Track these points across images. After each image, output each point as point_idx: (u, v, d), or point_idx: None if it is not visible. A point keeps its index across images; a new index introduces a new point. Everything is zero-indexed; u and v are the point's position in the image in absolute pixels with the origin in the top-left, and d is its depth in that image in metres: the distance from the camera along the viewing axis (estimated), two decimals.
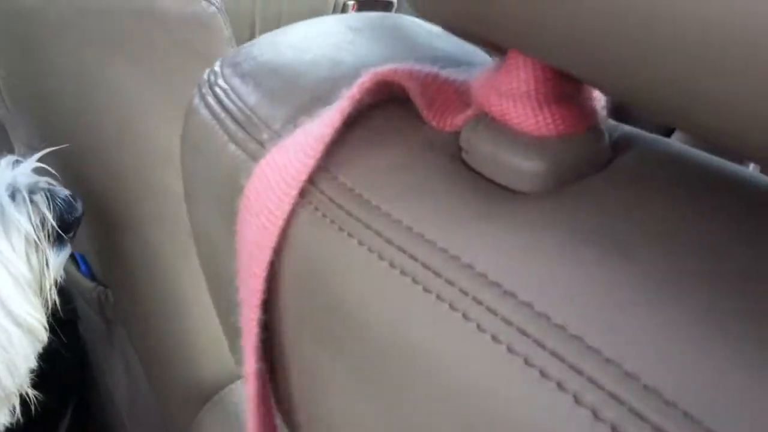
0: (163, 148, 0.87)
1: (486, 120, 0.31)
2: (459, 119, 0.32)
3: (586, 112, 0.31)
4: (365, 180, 0.30)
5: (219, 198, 0.38)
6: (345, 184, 0.30)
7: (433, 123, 0.32)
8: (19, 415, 0.76)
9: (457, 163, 0.30)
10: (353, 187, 0.30)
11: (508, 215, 0.27)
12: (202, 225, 0.42)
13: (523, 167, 0.29)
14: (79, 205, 0.75)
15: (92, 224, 0.89)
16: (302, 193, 0.31)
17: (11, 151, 0.79)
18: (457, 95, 0.33)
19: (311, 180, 0.31)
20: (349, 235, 0.29)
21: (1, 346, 0.67)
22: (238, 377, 0.94)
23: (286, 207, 0.31)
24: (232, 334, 0.40)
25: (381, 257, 0.28)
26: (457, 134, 0.32)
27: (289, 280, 0.32)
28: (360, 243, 0.29)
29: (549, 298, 0.24)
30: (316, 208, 0.31)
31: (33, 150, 0.79)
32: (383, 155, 0.31)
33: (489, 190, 0.29)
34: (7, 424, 0.76)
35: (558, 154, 0.29)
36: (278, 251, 0.32)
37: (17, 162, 0.74)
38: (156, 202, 0.90)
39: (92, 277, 1.02)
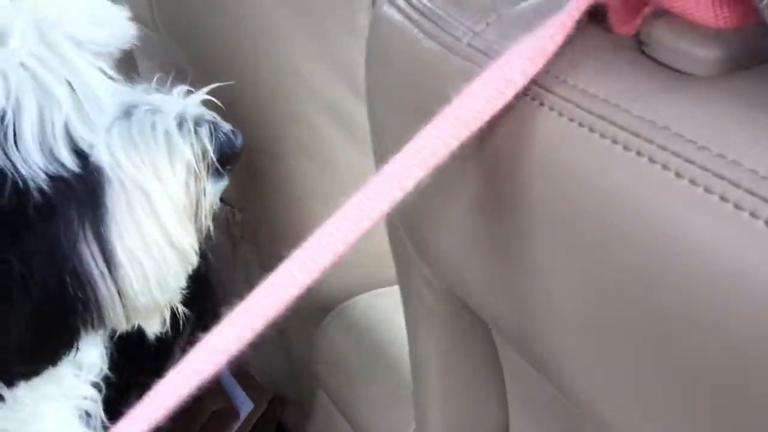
0: (309, 83, 0.94)
1: (665, 15, 0.35)
2: (638, 18, 0.37)
3: (755, 10, 0.35)
4: (592, 81, 0.34)
5: (412, 96, 0.43)
6: (576, 86, 0.34)
7: (623, 30, 0.36)
8: (169, 328, 0.83)
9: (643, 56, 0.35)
10: (585, 88, 0.34)
11: (700, 89, 0.32)
12: (385, 134, 0.47)
13: (703, 54, 0.33)
14: (239, 140, 0.78)
15: None
16: (534, 96, 0.35)
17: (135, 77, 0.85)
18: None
19: (542, 85, 0.35)
20: (591, 130, 0.33)
21: (155, 262, 0.72)
22: (359, 291, 1.02)
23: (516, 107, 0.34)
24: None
25: (627, 148, 0.31)
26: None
27: (536, 184, 0.36)
28: (602, 136, 0.32)
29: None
30: (551, 108, 0.34)
31: (180, 71, 0.85)
32: (598, 61, 0.35)
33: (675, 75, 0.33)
34: (157, 334, 0.83)
35: (734, 43, 0.33)
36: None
37: (189, 92, 0.78)
38: (300, 132, 0.96)
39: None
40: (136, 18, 0.76)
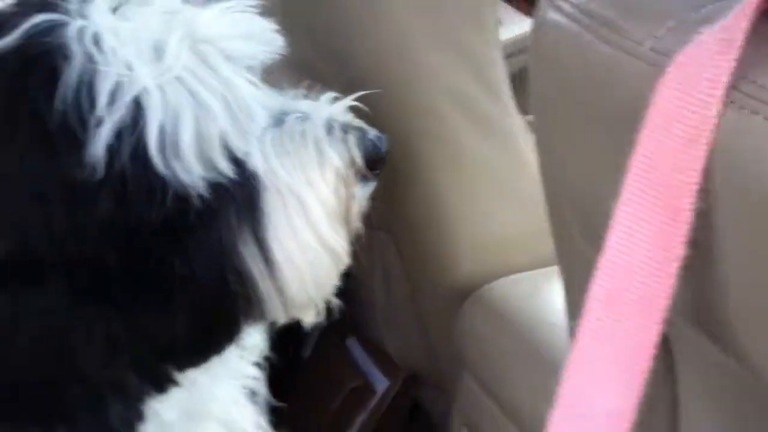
0: (437, 75, 0.97)
1: None
2: None
3: None
4: None
5: (586, 99, 0.45)
6: (765, 85, 0.35)
7: None
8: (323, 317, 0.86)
9: None
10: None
11: None
12: (552, 136, 0.49)
13: None
14: (385, 145, 0.81)
15: None
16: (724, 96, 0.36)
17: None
18: None
19: (730, 83, 0.36)
20: None
21: (310, 263, 0.76)
22: (495, 277, 1.04)
23: (712, 115, 0.35)
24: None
25: None
26: None
27: (727, 189, 0.36)
28: None
29: None
30: (743, 107, 0.35)
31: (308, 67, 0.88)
32: None
33: None
34: (330, 320, 0.87)
35: None
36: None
37: (336, 99, 0.82)
38: (424, 119, 1.00)
39: None
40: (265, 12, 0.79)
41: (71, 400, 0.68)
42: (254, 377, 0.92)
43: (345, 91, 0.84)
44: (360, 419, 1.37)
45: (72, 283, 0.66)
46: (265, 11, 0.77)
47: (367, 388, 1.38)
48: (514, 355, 0.97)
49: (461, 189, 1.03)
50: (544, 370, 0.89)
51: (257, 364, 0.92)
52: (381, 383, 1.37)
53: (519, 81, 1.05)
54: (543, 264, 1.07)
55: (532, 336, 0.94)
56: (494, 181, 1.05)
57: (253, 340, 0.89)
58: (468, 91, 1.01)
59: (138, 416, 0.73)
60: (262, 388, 0.93)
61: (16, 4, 0.72)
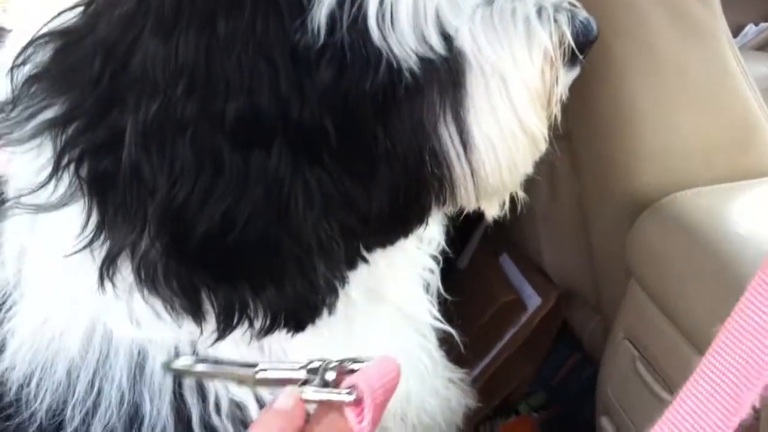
0: None
1: None
2: None
3: None
4: None
5: None
6: None
7: None
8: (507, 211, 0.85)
9: None
10: None
11: None
12: None
13: None
14: (594, 28, 0.78)
15: None
16: None
17: None
18: None
19: None
20: None
21: (507, 146, 0.74)
22: (677, 189, 1.00)
23: None
24: None
25: None
26: None
27: None
28: None
29: None
30: None
31: None
32: None
33: None
34: (496, 217, 0.86)
35: None
36: None
37: None
38: (623, 15, 0.95)
39: None
40: None
41: (284, 259, 0.69)
42: (429, 269, 0.92)
43: None
44: (509, 333, 1.38)
45: (294, 147, 0.66)
46: None
47: (519, 304, 1.37)
48: (695, 267, 0.92)
49: (653, 93, 0.98)
50: (729, 284, 0.85)
51: (433, 257, 0.92)
52: (533, 300, 1.37)
53: None
54: (726, 179, 1.03)
55: (717, 249, 0.89)
56: (690, 87, 0.99)
57: (431, 232, 0.89)
58: None
59: (341, 280, 0.74)
60: (435, 281, 0.93)
61: None
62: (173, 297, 0.71)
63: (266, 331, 0.73)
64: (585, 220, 1.16)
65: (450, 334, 0.96)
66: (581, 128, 1.06)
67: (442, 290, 0.94)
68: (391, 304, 0.86)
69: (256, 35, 0.64)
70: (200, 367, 0.74)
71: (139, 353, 0.75)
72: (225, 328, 0.72)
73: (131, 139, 0.66)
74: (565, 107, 0.82)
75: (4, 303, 0.76)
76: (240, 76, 0.64)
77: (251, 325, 0.73)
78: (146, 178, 0.66)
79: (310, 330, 0.76)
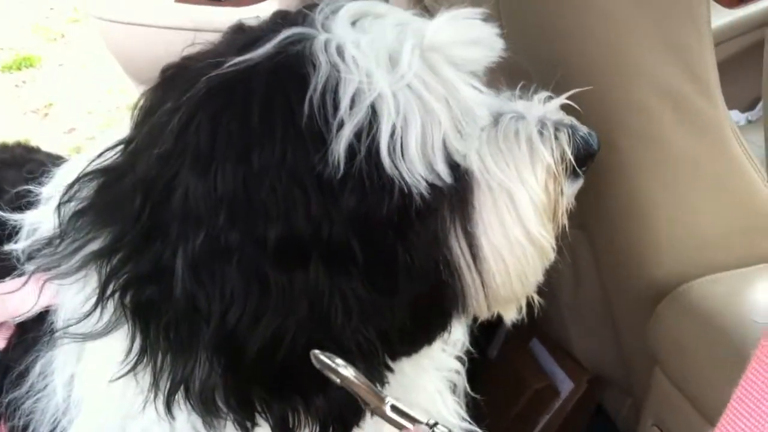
0: (646, 71, 0.97)
1: None
2: None
3: None
4: None
5: None
6: None
7: None
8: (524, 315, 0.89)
9: None
10: None
11: None
12: None
13: None
14: (595, 142, 0.83)
15: None
16: None
17: None
18: None
19: None
20: None
21: (516, 258, 0.78)
22: (693, 277, 1.03)
23: None
24: None
25: None
26: None
27: None
28: None
29: None
30: None
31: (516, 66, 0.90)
32: None
33: None
34: (514, 321, 0.90)
35: None
36: None
37: (549, 98, 0.84)
38: (635, 120, 1.00)
39: None
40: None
41: None
42: (456, 370, 0.95)
43: (554, 92, 0.86)
44: (543, 420, 1.39)
45: (328, 263, 0.71)
46: (487, 17, 0.80)
47: (551, 390, 1.39)
48: (714, 354, 0.94)
49: (665, 186, 1.02)
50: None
51: (458, 358, 0.95)
52: (565, 385, 1.38)
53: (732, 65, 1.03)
54: (743, 264, 1.05)
55: (735, 335, 0.92)
56: (700, 178, 1.03)
57: (456, 335, 0.93)
58: (678, 86, 1.00)
59: (380, 379, 0.77)
60: (462, 382, 0.96)
61: (274, 16, 0.80)
62: (233, 414, 0.75)
63: None
64: (609, 307, 1.19)
65: None
66: (596, 221, 1.10)
67: (469, 389, 0.97)
68: (418, 408, 0.89)
69: (286, 166, 0.70)
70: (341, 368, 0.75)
71: None
72: None
73: (183, 271, 0.71)
74: (581, 200, 0.86)
75: (55, 429, 0.81)
76: (276, 202, 0.70)
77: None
78: (201, 307, 0.71)
79: None
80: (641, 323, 1.08)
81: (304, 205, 0.70)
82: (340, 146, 0.70)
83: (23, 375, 0.83)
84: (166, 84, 0.79)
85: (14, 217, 0.92)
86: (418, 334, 0.81)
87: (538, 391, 1.39)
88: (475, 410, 0.97)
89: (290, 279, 0.71)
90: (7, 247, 0.90)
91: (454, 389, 0.95)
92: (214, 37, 0.83)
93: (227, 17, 1.82)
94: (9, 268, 0.89)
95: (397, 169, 0.71)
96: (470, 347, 0.96)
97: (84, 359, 0.81)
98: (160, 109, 0.77)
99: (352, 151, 0.70)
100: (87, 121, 3.43)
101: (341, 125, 0.70)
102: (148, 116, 0.79)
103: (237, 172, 0.71)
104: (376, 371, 0.77)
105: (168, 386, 0.75)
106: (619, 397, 1.34)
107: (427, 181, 0.72)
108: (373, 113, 0.71)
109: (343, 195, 0.71)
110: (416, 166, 0.72)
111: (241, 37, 0.78)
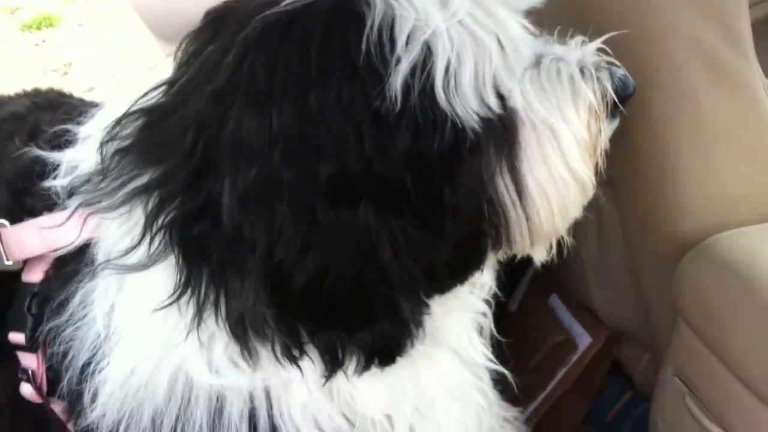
0: (680, 28, 0.98)
1: None
2: None
3: None
4: None
5: None
6: None
7: None
8: (555, 256, 0.91)
9: None
10: None
11: None
12: None
13: None
14: (631, 84, 0.86)
15: None
16: None
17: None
18: None
19: None
20: None
21: (559, 193, 0.81)
22: (719, 230, 1.04)
23: None
24: None
25: None
26: None
27: None
28: None
29: None
30: None
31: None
32: None
33: None
34: (543, 261, 0.92)
35: None
36: None
37: (584, 42, 0.86)
38: (662, 72, 1.01)
39: None
40: None
41: (375, 301, 0.77)
42: (482, 313, 0.97)
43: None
44: (560, 373, 1.41)
45: (378, 201, 0.74)
46: None
47: (569, 343, 1.41)
48: (742, 308, 0.96)
49: (693, 142, 1.03)
50: None
51: (485, 301, 0.97)
52: (583, 339, 1.40)
53: (757, 32, 1.04)
54: None
55: (760, 287, 0.93)
56: (729, 135, 1.04)
57: (484, 278, 0.95)
58: (711, 43, 1.01)
59: (424, 311, 0.81)
60: (488, 324, 0.98)
61: None
62: (281, 343, 0.78)
63: (363, 369, 0.80)
64: (633, 263, 1.20)
65: (503, 375, 1.00)
66: (625, 177, 1.11)
67: (495, 332, 0.99)
68: (446, 347, 0.92)
69: (343, 104, 0.72)
70: None
71: (217, 399, 0.83)
72: (333, 368, 0.80)
73: (232, 202, 0.73)
74: (610, 157, 0.88)
75: (94, 356, 0.84)
76: (331, 141, 0.72)
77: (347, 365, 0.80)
78: (246, 237, 0.73)
79: (372, 383, 0.84)
80: (666, 277, 1.09)
81: (359, 144, 0.73)
82: (396, 82, 0.72)
83: (63, 304, 0.86)
84: (213, 25, 0.80)
85: (53, 155, 0.94)
86: (460, 270, 0.83)
87: (557, 344, 1.41)
88: (499, 352, 0.99)
89: (339, 215, 0.73)
90: (47, 183, 0.92)
91: (480, 330, 0.97)
92: None
93: None
94: (48, 203, 0.92)
95: (450, 103, 0.74)
96: (497, 291, 0.98)
97: (124, 290, 0.84)
98: (207, 50, 0.79)
99: (407, 87, 0.73)
100: (106, 81, 3.45)
101: (398, 62, 0.72)
102: (194, 57, 0.80)
103: (294, 110, 0.73)
104: (418, 307, 0.80)
105: (213, 314, 0.77)
106: (636, 352, 1.35)
107: (478, 115, 0.75)
108: (428, 50, 0.73)
109: (398, 131, 0.73)
110: (469, 100, 0.74)
111: None
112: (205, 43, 0.80)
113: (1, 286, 0.94)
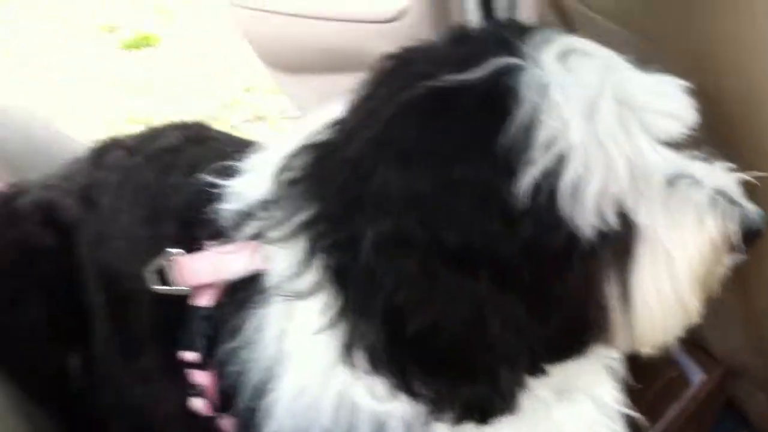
0: None
1: None
2: None
3: None
4: None
5: None
6: None
7: None
8: None
9: None
10: None
11: None
12: None
13: None
14: (763, 225, 0.84)
15: None
16: None
17: None
18: None
19: None
20: None
21: (662, 313, 0.82)
22: None
23: None
24: None
25: None
26: None
27: None
28: None
29: None
30: None
31: None
32: None
33: None
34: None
35: None
36: None
37: (731, 169, 0.85)
38: None
39: None
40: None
41: (477, 365, 0.82)
42: (613, 356, 1.00)
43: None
44: (673, 408, 1.43)
45: (496, 278, 0.79)
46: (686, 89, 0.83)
47: (682, 380, 1.43)
48: None
49: None
50: None
51: None
52: (696, 376, 1.42)
53: None
54: None
55: None
56: None
57: None
58: None
59: (521, 385, 0.84)
60: (620, 368, 1.02)
61: (491, 28, 0.89)
62: (391, 379, 0.83)
63: (459, 419, 0.85)
64: (749, 302, 1.22)
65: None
66: (756, 285, 1.11)
67: (627, 377, 1.02)
68: (580, 392, 0.97)
69: (478, 184, 0.77)
70: None
71: (378, 423, 0.88)
72: (436, 412, 0.85)
73: (368, 246, 0.79)
74: None
75: (267, 376, 0.91)
76: (463, 215, 0.78)
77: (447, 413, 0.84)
78: (376, 280, 0.80)
79: (512, 423, 0.87)
80: None
81: (488, 223, 0.77)
82: (526, 182, 0.76)
83: (238, 328, 0.93)
84: (385, 76, 0.87)
85: (220, 185, 1.02)
86: (560, 355, 0.87)
87: (670, 380, 1.43)
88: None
89: (458, 282, 0.79)
90: (214, 214, 1.00)
91: (613, 374, 1.01)
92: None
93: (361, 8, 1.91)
94: (214, 232, 1.00)
95: (570, 212, 0.77)
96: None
97: (293, 316, 0.90)
98: (375, 97, 0.86)
99: (536, 189, 0.76)
100: (203, 101, 3.57)
101: (531, 163, 0.76)
102: (365, 101, 0.87)
103: (435, 177, 0.78)
104: (517, 379, 0.83)
105: (346, 344, 0.83)
106: (752, 389, 1.37)
107: (595, 228, 0.77)
108: (562, 159, 0.76)
109: (522, 223, 0.77)
110: (588, 214, 0.77)
111: (460, 49, 0.85)
112: (375, 90, 0.87)
113: (175, 309, 1.02)
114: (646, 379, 1.45)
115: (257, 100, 3.59)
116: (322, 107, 0.97)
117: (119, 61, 4.08)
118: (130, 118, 3.40)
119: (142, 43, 4.15)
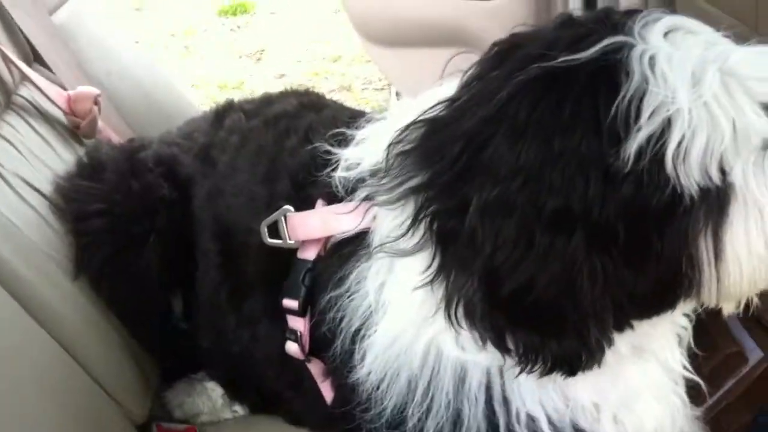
0: None
1: None
2: None
3: None
4: None
5: None
6: None
7: None
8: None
9: None
10: None
11: None
12: None
13: None
14: None
15: None
16: None
17: None
18: None
19: None
20: None
21: (752, 266, 0.87)
22: None
23: None
24: None
25: None
26: None
27: None
28: None
29: None
30: None
31: None
32: None
33: None
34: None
35: None
36: None
37: None
38: None
39: None
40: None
41: (566, 321, 0.89)
42: (683, 326, 1.09)
43: None
44: (730, 383, 1.48)
45: (589, 238, 0.86)
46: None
47: (740, 356, 1.47)
48: None
49: None
50: None
51: (687, 315, 1.08)
52: (754, 353, 1.47)
53: None
54: None
55: None
56: None
57: None
58: None
59: (608, 341, 0.92)
60: (687, 336, 1.10)
61: (599, 14, 0.95)
62: (485, 332, 0.92)
63: (547, 372, 0.92)
64: None
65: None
66: None
67: (692, 344, 1.11)
68: (652, 355, 1.05)
69: (579, 154, 0.85)
70: None
71: (461, 370, 0.99)
72: (525, 365, 0.92)
73: (474, 211, 0.88)
74: None
75: (365, 323, 1.02)
76: (561, 182, 0.85)
77: (536, 366, 0.92)
78: (477, 242, 0.88)
79: (584, 376, 0.95)
80: None
81: (585, 189, 0.84)
82: (632, 147, 0.83)
83: (342, 279, 1.04)
84: (497, 58, 0.94)
85: (336, 151, 1.12)
86: (649, 310, 0.94)
87: (728, 355, 1.48)
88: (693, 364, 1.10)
89: (552, 242, 0.86)
90: (328, 176, 1.10)
91: (680, 341, 1.09)
92: None
93: None
94: (326, 193, 1.11)
95: (676, 171, 0.83)
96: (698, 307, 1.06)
97: (393, 271, 1.00)
98: (487, 77, 0.93)
99: (640, 151, 0.83)
100: (295, 69, 3.68)
101: (638, 130, 0.83)
102: (476, 81, 0.95)
103: (539, 151, 0.85)
104: (604, 335, 0.90)
105: (444, 294, 0.92)
106: None
107: (698, 185, 0.84)
108: (668, 123, 0.83)
109: (623, 185, 0.84)
110: (694, 171, 0.83)
111: (569, 32, 0.91)
112: (487, 72, 0.94)
113: (281, 260, 1.14)
114: (706, 355, 1.52)
115: (343, 69, 3.68)
116: (424, 84, 1.06)
117: (215, 26, 4.23)
118: (221, 84, 3.54)
119: (239, 10, 4.28)
